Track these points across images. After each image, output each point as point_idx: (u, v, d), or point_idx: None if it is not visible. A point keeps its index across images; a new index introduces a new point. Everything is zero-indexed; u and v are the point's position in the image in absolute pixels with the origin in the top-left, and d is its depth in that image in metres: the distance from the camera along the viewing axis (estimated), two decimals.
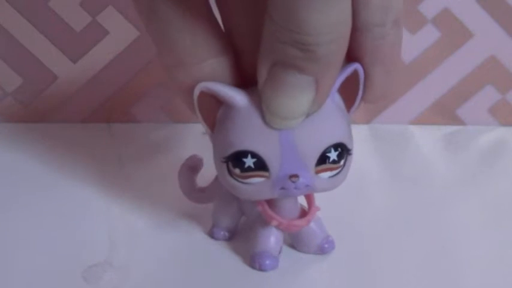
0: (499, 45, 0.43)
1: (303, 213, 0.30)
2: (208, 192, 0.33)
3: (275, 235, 0.30)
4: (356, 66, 0.27)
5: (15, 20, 0.42)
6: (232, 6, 0.27)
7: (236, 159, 0.27)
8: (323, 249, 0.31)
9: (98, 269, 0.30)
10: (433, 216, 0.34)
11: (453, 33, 0.43)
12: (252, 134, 0.27)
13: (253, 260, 0.30)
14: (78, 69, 0.43)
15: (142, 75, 0.43)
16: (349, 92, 0.28)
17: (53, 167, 0.38)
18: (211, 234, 0.32)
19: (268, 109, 0.26)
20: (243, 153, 0.27)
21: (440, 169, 0.40)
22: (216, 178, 0.32)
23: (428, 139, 0.43)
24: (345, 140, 0.27)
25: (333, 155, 0.27)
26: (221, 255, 0.31)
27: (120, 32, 0.42)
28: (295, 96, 0.25)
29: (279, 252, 0.30)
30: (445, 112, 0.44)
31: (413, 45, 0.43)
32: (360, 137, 0.37)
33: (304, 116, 0.26)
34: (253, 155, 0.27)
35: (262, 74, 0.26)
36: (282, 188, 0.27)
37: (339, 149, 0.27)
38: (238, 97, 0.27)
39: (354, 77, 0.27)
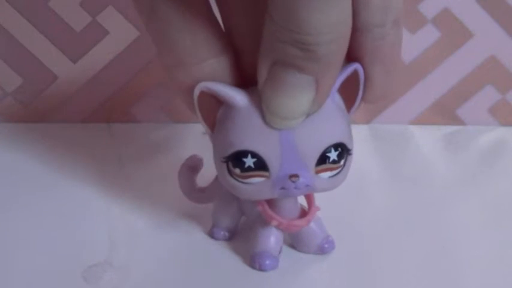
0: (499, 45, 0.43)
1: (303, 213, 0.30)
2: (208, 192, 0.33)
3: (275, 235, 0.30)
4: (356, 66, 0.27)
5: (15, 20, 0.42)
6: (232, 5, 0.27)
7: (236, 159, 0.27)
8: (323, 249, 0.31)
9: (98, 269, 0.30)
10: (433, 216, 0.34)
11: (453, 33, 0.43)
12: (252, 134, 0.27)
13: (253, 260, 0.30)
14: (78, 69, 0.43)
15: (142, 75, 0.43)
16: (349, 92, 0.28)
17: (53, 167, 0.38)
18: (211, 234, 0.32)
19: (268, 109, 0.26)
20: (243, 153, 0.27)
21: (440, 169, 0.40)
22: (216, 178, 0.32)
23: (428, 139, 0.43)
24: (345, 140, 0.27)
25: (333, 155, 0.27)
26: (221, 255, 0.31)
27: (120, 32, 0.42)
28: (295, 96, 0.25)
29: (279, 252, 0.30)
30: (445, 112, 0.44)
31: (413, 45, 0.43)
32: (360, 137, 0.37)
33: (304, 116, 0.26)
34: (253, 154, 0.27)
35: (262, 73, 0.26)
36: (282, 188, 0.27)
37: (339, 149, 0.27)
38: (238, 97, 0.27)
39: (354, 77, 0.27)
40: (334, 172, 0.27)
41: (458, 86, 0.44)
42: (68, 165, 0.38)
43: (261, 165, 0.27)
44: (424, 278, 0.29)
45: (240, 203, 0.31)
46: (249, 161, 0.27)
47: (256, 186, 0.27)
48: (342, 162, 0.27)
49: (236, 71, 0.28)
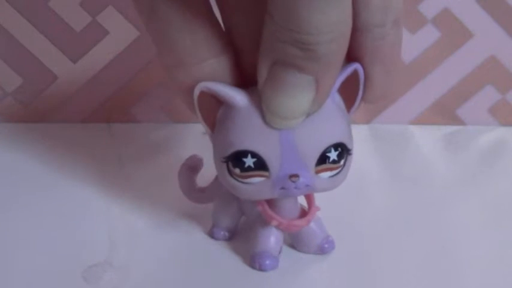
0: (499, 45, 0.43)
1: (303, 213, 0.30)
2: (208, 192, 0.33)
3: (275, 235, 0.30)
4: (356, 66, 0.27)
5: (15, 20, 0.42)
6: (232, 5, 0.27)
7: (236, 159, 0.27)
8: (323, 249, 0.31)
9: (98, 269, 0.30)
10: (433, 216, 0.34)
11: (453, 33, 0.43)
12: (252, 133, 0.27)
13: (253, 260, 0.30)
14: (78, 69, 0.43)
15: (142, 75, 0.43)
16: (349, 92, 0.28)
17: (53, 167, 0.38)
18: (211, 234, 0.32)
19: (268, 109, 0.26)
20: (243, 153, 0.27)
21: (440, 169, 0.40)
22: (216, 178, 0.32)
23: (428, 139, 0.43)
24: (345, 140, 0.27)
25: (333, 155, 0.27)
26: (221, 255, 0.31)
27: (120, 32, 0.42)
28: (295, 95, 0.25)
29: (279, 252, 0.30)
30: (445, 112, 0.44)
31: (413, 45, 0.43)
32: (360, 137, 0.37)
33: (304, 116, 0.26)
34: (253, 154, 0.27)
35: (262, 73, 0.26)
36: (282, 188, 0.27)
37: (339, 149, 0.27)
38: (238, 97, 0.27)
39: (354, 77, 0.27)
40: (334, 172, 0.27)
41: (458, 86, 0.44)
42: (68, 165, 0.38)
43: (261, 165, 0.27)
44: (424, 278, 0.29)
45: (240, 203, 0.31)
46: (249, 161, 0.27)
47: (256, 186, 0.27)
48: (342, 162, 0.27)
49: (236, 71, 0.28)
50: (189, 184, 0.32)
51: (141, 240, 0.32)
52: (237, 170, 0.27)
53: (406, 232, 0.33)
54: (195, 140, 0.42)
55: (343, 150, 0.27)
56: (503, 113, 0.44)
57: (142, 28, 0.42)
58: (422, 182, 0.38)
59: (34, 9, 0.42)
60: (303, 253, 0.31)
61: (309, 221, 0.29)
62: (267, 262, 0.29)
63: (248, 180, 0.27)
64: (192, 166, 0.32)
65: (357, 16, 0.26)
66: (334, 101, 0.27)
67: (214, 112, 0.28)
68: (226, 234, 0.32)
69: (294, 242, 0.31)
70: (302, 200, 0.30)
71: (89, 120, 0.44)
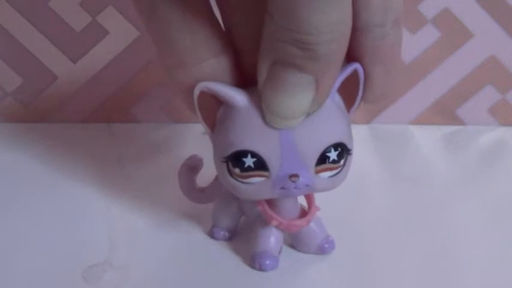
0: (499, 45, 0.43)
1: (303, 213, 0.30)
2: (208, 192, 0.33)
3: (275, 235, 0.30)
4: (356, 66, 0.27)
5: (15, 20, 0.42)
6: (232, 5, 0.27)
7: (236, 159, 0.27)
8: (323, 249, 0.31)
9: (98, 269, 0.30)
10: (433, 216, 0.34)
11: (453, 33, 0.43)
12: (252, 133, 0.27)
13: (253, 260, 0.30)
14: (78, 69, 0.43)
15: (142, 75, 0.43)
16: (349, 92, 0.28)
17: (53, 167, 0.38)
18: (211, 234, 0.32)
19: (268, 109, 0.26)
20: (243, 153, 0.27)
21: (440, 169, 0.40)
22: (216, 178, 0.32)
23: (428, 139, 0.43)
24: (345, 140, 0.27)
25: (333, 155, 0.27)
26: (221, 255, 0.31)
27: (120, 32, 0.42)
28: (295, 95, 0.25)
29: (279, 252, 0.30)
30: (445, 112, 0.44)
31: (413, 45, 0.43)
32: (360, 137, 0.37)
33: (304, 116, 0.26)
34: (253, 154, 0.27)
35: (262, 73, 0.26)
36: (282, 188, 0.27)
37: (339, 149, 0.27)
38: (238, 97, 0.27)
39: (354, 77, 0.27)
40: (334, 172, 0.27)
41: (458, 86, 0.44)
42: (68, 165, 0.38)
43: (260, 165, 0.27)
44: (424, 278, 0.29)
45: (240, 203, 0.31)
46: (249, 161, 0.27)
47: (256, 186, 0.27)
48: (342, 162, 0.27)
49: (236, 71, 0.28)
50: (189, 184, 0.32)
51: (141, 240, 0.32)
52: (237, 170, 0.27)
53: (406, 232, 0.33)
54: (195, 140, 0.42)
55: (343, 150, 0.27)
56: (503, 113, 0.44)
57: (142, 28, 0.42)
58: (422, 182, 0.38)
59: (34, 9, 0.42)
60: (303, 253, 0.31)
61: (309, 221, 0.29)
62: (267, 262, 0.29)
63: (248, 180, 0.27)
64: (192, 166, 0.32)
65: (357, 16, 0.26)
66: (334, 100, 0.27)
67: (214, 112, 0.28)
68: (226, 234, 0.32)
69: (294, 242, 0.31)
70: (302, 200, 0.30)
71: (89, 120, 0.44)
